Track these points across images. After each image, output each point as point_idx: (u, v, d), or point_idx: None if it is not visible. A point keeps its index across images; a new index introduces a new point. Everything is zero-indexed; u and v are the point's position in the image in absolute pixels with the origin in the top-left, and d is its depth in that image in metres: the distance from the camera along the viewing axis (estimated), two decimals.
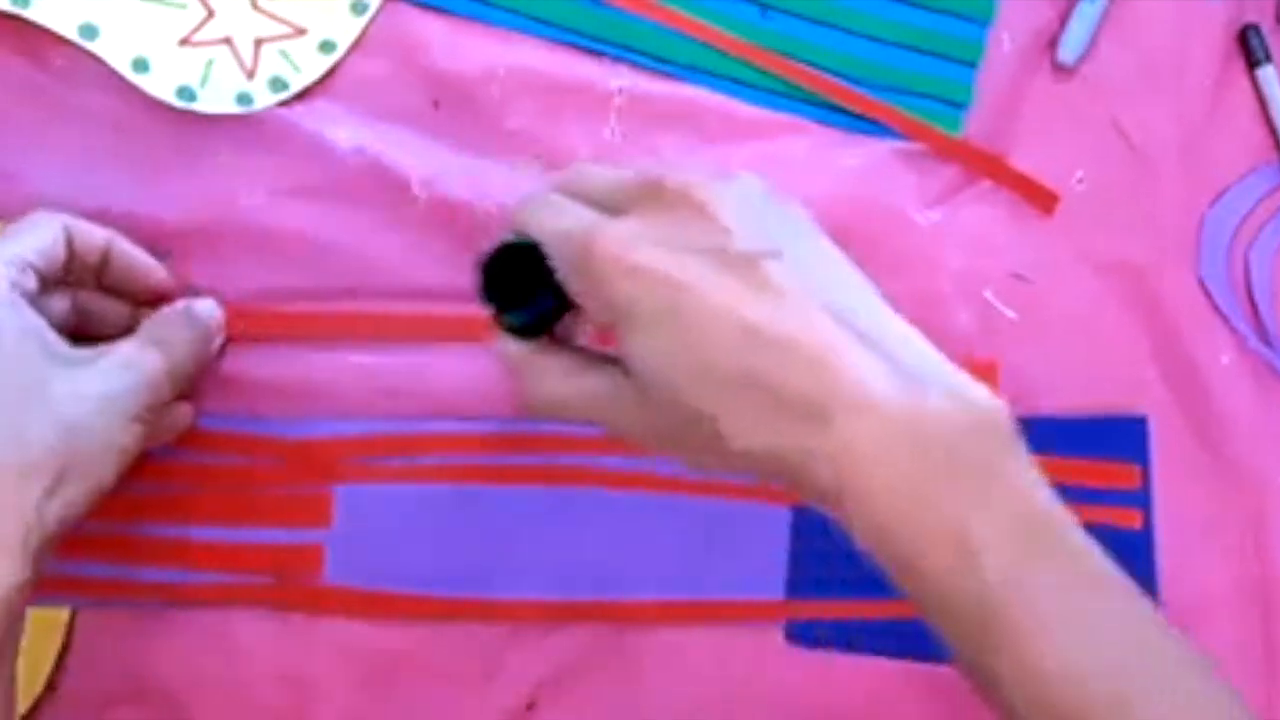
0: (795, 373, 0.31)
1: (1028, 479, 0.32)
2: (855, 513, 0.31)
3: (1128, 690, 0.30)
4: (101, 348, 0.39)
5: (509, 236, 0.37)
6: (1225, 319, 0.49)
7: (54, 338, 0.37)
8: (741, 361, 0.32)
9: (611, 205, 0.35)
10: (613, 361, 0.35)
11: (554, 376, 0.36)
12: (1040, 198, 0.48)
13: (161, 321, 0.41)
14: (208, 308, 0.43)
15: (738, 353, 0.32)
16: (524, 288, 0.36)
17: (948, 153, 0.48)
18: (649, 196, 0.34)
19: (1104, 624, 0.31)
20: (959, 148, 0.48)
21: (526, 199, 0.37)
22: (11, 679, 0.36)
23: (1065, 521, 0.31)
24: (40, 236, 0.39)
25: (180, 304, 0.42)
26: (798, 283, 0.33)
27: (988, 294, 0.47)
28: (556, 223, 0.35)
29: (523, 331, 0.37)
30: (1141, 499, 0.47)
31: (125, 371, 0.38)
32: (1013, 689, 0.30)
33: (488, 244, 0.37)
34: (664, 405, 0.33)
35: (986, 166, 0.48)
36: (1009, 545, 0.30)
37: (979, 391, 0.32)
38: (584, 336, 0.39)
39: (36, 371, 0.36)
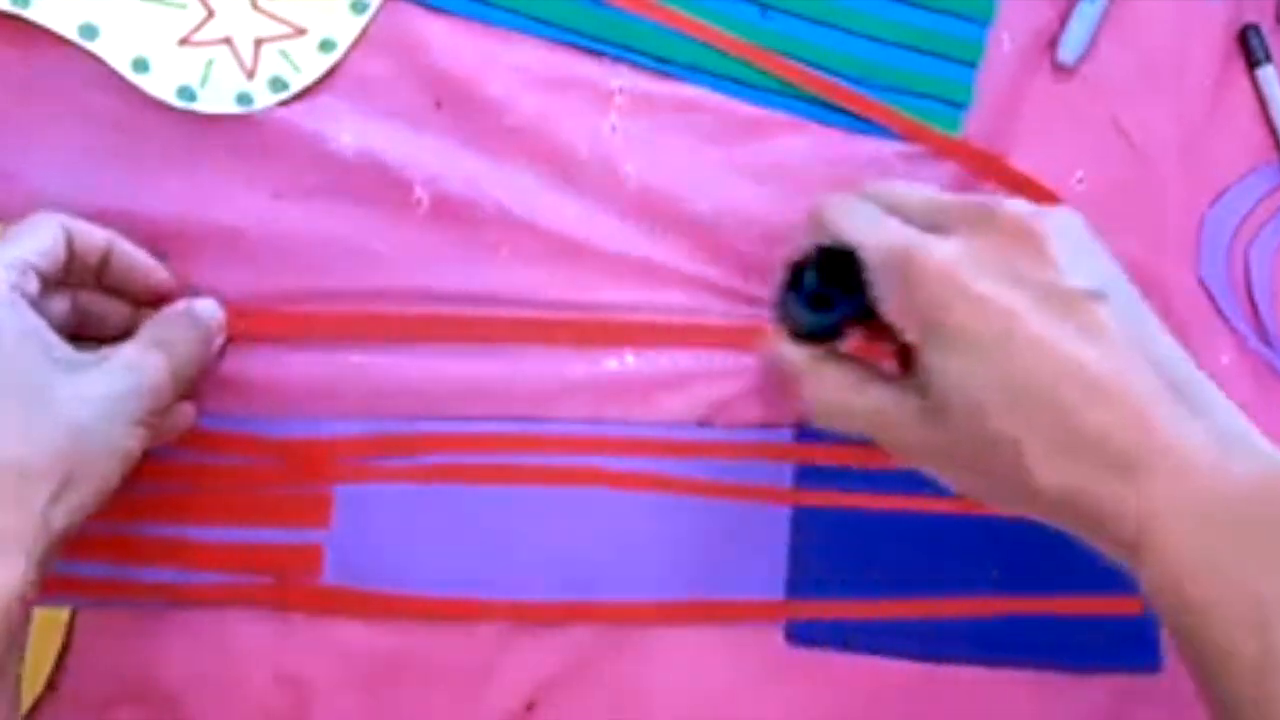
0: (1114, 419, 0.32)
1: None
2: (1151, 567, 0.31)
3: None
4: (104, 350, 0.38)
5: (824, 241, 0.37)
6: (1225, 319, 0.49)
7: (55, 340, 0.37)
8: (1062, 396, 0.32)
9: (929, 223, 0.35)
10: (891, 376, 0.36)
11: (839, 386, 0.37)
12: (1040, 198, 0.48)
13: (163, 322, 0.41)
14: (209, 308, 0.43)
15: (1059, 388, 0.32)
16: (823, 293, 0.36)
17: (948, 153, 0.48)
18: (978, 220, 0.35)
19: None
20: (959, 148, 0.48)
21: (835, 204, 0.37)
22: (17, 681, 0.36)
23: None
24: (40, 238, 0.39)
25: (181, 304, 0.42)
26: (1121, 328, 0.33)
27: None
28: (877, 233, 0.35)
29: (805, 337, 0.37)
30: None
31: (129, 374, 0.38)
32: None
33: (794, 248, 0.37)
34: (963, 428, 0.33)
35: (986, 166, 0.48)
36: None
37: None
38: (845, 347, 0.39)
39: (39, 375, 0.36)
